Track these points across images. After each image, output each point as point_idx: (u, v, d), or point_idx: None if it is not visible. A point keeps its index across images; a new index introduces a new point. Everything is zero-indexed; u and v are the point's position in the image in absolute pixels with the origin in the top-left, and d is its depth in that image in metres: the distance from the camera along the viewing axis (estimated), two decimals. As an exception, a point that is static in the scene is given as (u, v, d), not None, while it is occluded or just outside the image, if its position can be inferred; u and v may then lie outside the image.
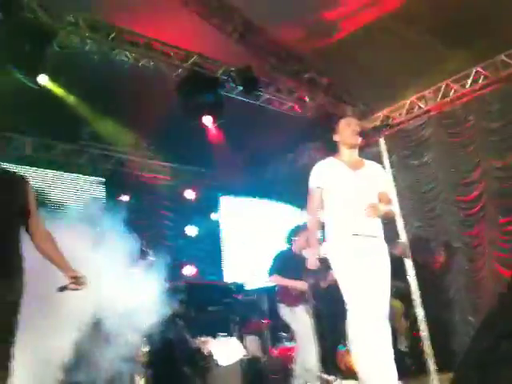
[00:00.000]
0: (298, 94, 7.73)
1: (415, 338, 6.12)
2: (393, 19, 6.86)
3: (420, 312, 3.53)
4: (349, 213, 3.49)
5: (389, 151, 7.92)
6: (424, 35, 6.97)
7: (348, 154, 3.68)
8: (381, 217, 3.54)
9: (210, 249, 8.65)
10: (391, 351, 3.33)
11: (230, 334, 5.60)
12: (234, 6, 6.47)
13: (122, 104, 6.18)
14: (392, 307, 6.50)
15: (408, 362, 5.79)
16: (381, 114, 8.03)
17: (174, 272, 5.74)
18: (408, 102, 7.79)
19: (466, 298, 6.57)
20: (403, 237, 3.52)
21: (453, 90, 7.31)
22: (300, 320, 5.62)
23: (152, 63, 6.31)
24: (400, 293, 6.35)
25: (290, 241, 5.96)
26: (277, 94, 7.51)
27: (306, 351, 5.54)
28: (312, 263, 3.51)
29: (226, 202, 9.49)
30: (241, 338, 6.26)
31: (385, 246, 3.52)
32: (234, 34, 6.68)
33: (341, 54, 7.41)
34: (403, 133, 7.90)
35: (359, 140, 3.62)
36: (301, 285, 5.61)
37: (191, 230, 8.68)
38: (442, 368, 5.28)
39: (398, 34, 6.99)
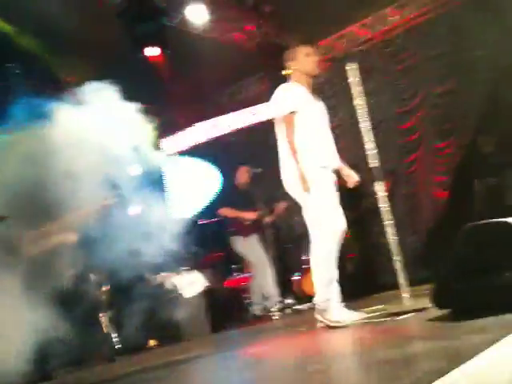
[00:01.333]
0: (240, 23, 7.49)
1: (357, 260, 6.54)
2: None
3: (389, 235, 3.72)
4: (318, 142, 3.56)
5: (332, 82, 8.03)
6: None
7: (307, 83, 3.70)
8: None
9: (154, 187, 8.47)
10: None
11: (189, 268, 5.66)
12: None
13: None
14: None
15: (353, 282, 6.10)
16: (324, 43, 8.00)
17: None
18: (350, 30, 7.78)
19: (406, 220, 6.93)
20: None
21: (393, 17, 7.37)
22: (255, 249, 5.79)
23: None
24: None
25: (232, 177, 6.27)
26: (219, 22, 7.24)
27: (264, 279, 5.73)
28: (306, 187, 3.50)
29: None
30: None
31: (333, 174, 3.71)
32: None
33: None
34: (343, 63, 7.92)
35: (319, 71, 3.66)
36: (251, 215, 5.80)
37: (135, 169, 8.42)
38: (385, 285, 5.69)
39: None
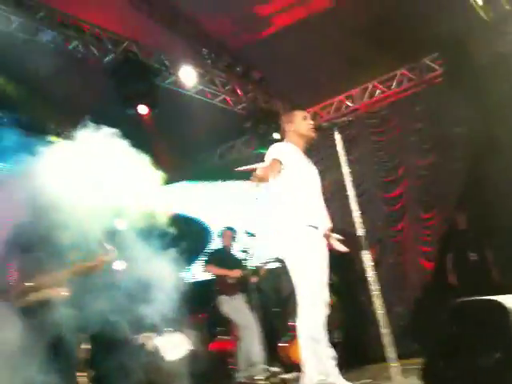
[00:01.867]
0: (231, 87, 7.65)
1: (345, 330, 6.35)
2: (322, 19, 7.00)
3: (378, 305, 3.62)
4: (307, 201, 3.50)
5: (316, 149, 8.15)
6: (352, 36, 7.18)
7: (302, 146, 3.72)
8: None
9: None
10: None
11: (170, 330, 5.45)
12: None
13: (50, 89, 5.78)
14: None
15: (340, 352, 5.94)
16: (310, 111, 8.17)
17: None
18: (336, 100, 7.99)
19: (393, 290, 6.85)
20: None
21: (378, 91, 7.60)
22: (240, 310, 5.66)
23: (82, 46, 5.96)
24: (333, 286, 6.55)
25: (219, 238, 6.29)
26: (209, 86, 7.39)
27: (250, 343, 5.53)
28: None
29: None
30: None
31: (323, 238, 3.57)
32: (162, 23, 6.49)
33: (271, 50, 7.44)
34: (330, 131, 8.08)
35: (315, 135, 3.68)
36: (236, 273, 5.74)
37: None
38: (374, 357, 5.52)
39: (326, 34, 7.13)
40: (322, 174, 7.65)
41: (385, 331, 3.33)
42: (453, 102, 6.86)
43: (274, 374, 5.54)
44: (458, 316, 2.29)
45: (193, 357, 5.15)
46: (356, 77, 7.69)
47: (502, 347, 2.08)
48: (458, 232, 6.61)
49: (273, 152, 3.53)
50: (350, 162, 7.63)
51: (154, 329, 5.07)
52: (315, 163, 7.89)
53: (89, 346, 4.64)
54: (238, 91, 7.72)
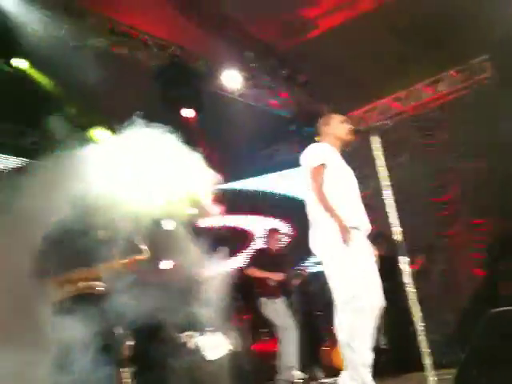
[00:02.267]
0: (275, 90, 7.63)
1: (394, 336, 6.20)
2: (368, 20, 6.89)
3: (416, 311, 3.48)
4: (348, 201, 3.42)
5: (363, 152, 8.01)
6: (399, 37, 7.04)
7: (339, 148, 3.66)
8: None
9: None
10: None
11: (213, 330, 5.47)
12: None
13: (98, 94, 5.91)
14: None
15: (385, 359, 5.81)
16: (355, 114, 8.07)
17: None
18: (382, 102, 7.84)
19: (442, 297, 6.64)
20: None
21: (426, 93, 7.41)
22: (281, 313, 5.60)
23: (129, 51, 6.09)
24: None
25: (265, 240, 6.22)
26: (254, 89, 7.40)
27: (287, 346, 5.47)
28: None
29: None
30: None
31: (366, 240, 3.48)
32: (209, 28, 6.55)
33: (316, 52, 7.39)
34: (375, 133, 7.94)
35: (354, 138, 3.62)
36: (278, 276, 5.69)
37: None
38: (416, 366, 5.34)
39: (373, 35, 7.02)
40: (364, 178, 7.68)
41: (422, 339, 3.18)
42: (505, 104, 6.61)
43: (315, 378, 5.47)
44: (493, 325, 2.17)
45: (233, 357, 5.14)
46: (403, 78, 7.53)
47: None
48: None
49: (315, 156, 3.49)
50: (397, 166, 7.62)
51: (197, 328, 5.10)
52: (356, 168, 7.87)
53: (132, 343, 4.71)
54: (283, 94, 7.69)
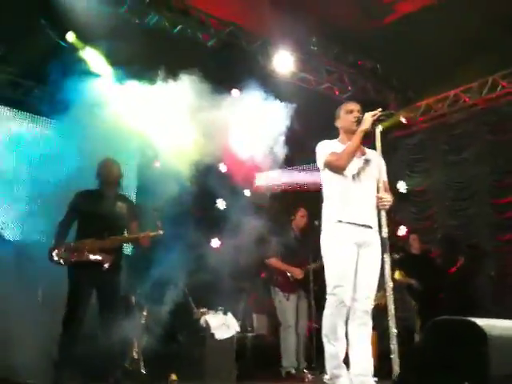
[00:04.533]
0: (338, 75, 7.46)
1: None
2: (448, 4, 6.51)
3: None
4: (348, 198, 3.29)
5: (427, 145, 7.65)
6: (480, 23, 6.57)
7: (348, 140, 3.46)
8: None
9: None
10: (367, 348, 3.18)
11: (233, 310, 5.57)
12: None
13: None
14: (407, 303, 6.31)
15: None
16: (422, 104, 7.69)
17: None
18: (452, 93, 7.39)
19: (491, 304, 6.22)
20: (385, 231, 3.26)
21: (500, 86, 6.87)
22: (288, 310, 5.39)
23: (188, 30, 6.25)
24: (416, 291, 6.15)
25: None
26: (313, 73, 7.28)
27: (286, 344, 5.38)
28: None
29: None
30: (250, 315, 6.27)
31: (378, 239, 3.29)
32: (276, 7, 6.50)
33: (388, 39, 7.12)
34: (444, 126, 7.55)
35: (359, 127, 3.38)
36: (298, 272, 5.46)
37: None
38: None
39: (451, 20, 6.61)
40: (427, 171, 7.30)
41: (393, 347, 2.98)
42: None
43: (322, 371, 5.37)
44: (432, 334, 2.05)
45: (243, 339, 5.18)
46: (476, 69, 7.03)
47: (473, 374, 1.81)
48: None
49: (319, 158, 3.41)
50: (462, 162, 7.17)
51: (210, 305, 5.22)
52: (420, 160, 7.49)
53: (146, 313, 4.94)
54: (346, 80, 7.51)
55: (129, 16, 5.90)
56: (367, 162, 3.40)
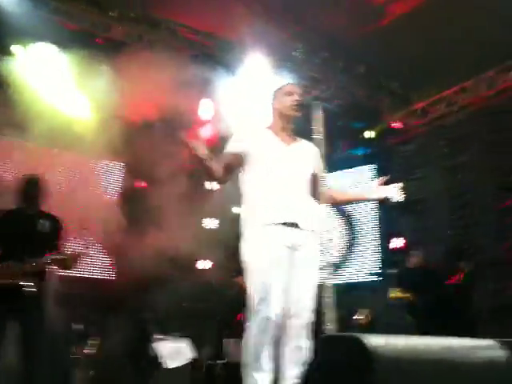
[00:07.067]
0: (326, 82, 7.15)
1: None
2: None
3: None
4: (274, 194, 2.77)
5: (423, 150, 7.21)
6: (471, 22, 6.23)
7: (282, 125, 3.02)
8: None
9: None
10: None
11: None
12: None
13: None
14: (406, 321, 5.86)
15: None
16: (418, 106, 7.30)
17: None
18: (448, 93, 6.97)
19: (492, 320, 5.69)
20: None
21: (496, 82, 6.43)
22: None
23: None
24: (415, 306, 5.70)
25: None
26: (302, 82, 6.98)
27: None
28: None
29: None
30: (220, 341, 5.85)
31: (315, 241, 2.79)
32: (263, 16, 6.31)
33: (382, 41, 6.87)
34: (439, 129, 7.13)
35: (298, 113, 2.96)
36: None
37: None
38: None
39: (442, 21, 6.31)
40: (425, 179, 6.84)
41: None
42: None
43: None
44: (318, 351, 1.70)
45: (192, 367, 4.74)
46: (472, 67, 6.64)
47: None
48: None
49: (230, 141, 2.95)
50: (460, 166, 6.73)
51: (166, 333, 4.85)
52: (418, 167, 7.06)
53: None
54: (334, 87, 7.18)
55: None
56: (297, 151, 2.90)
